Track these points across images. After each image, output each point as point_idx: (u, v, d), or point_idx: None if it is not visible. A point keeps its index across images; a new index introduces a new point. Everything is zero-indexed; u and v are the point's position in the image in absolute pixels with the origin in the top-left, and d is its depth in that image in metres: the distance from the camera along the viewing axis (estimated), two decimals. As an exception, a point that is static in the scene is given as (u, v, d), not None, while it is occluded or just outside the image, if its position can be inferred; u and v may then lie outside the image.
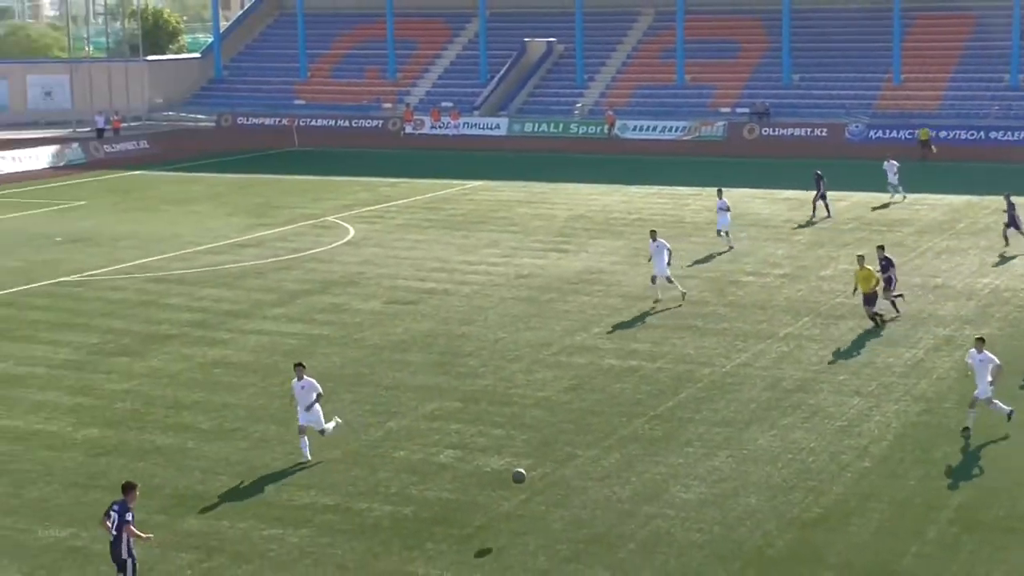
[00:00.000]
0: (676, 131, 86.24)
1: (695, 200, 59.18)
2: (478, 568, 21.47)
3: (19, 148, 77.99)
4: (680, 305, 38.63)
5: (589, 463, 26.14)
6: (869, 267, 36.22)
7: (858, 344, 34.46)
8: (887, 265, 37.31)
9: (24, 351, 34.88)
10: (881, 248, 38.22)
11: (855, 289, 36.75)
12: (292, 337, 36.07)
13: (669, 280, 39.27)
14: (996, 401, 27.26)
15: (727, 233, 47.55)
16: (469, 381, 31.89)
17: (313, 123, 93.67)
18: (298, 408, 26.46)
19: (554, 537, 22.64)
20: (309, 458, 26.27)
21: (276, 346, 35.17)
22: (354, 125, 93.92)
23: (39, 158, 76.68)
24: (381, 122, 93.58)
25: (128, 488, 20.00)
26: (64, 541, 22.63)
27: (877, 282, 36.12)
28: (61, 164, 76.79)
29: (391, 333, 36.46)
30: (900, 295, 37.67)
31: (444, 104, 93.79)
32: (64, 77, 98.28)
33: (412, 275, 44.00)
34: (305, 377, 26.40)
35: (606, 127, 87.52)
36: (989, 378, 27.16)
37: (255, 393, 31.06)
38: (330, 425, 26.84)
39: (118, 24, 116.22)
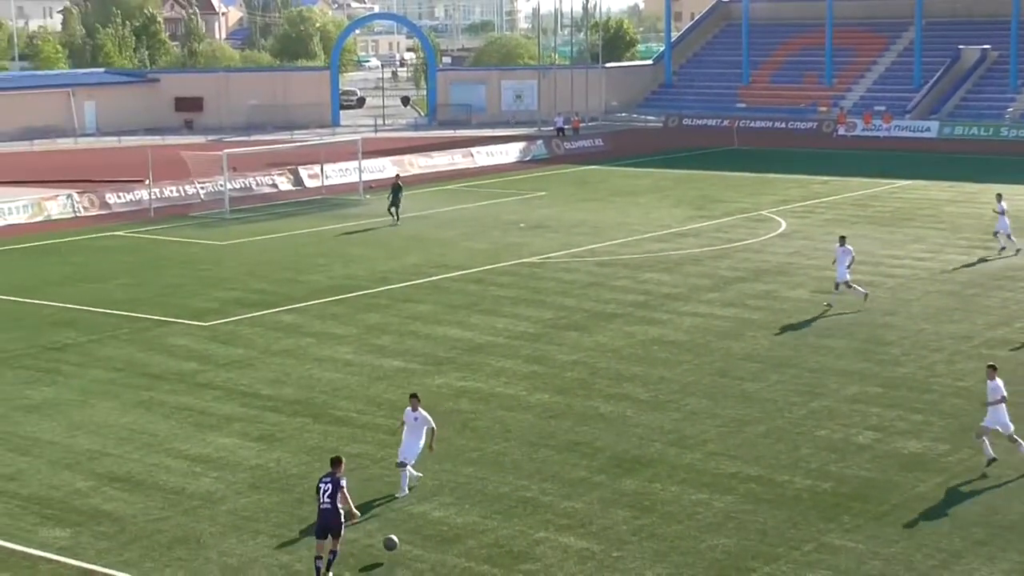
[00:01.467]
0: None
1: None
2: (893, 543, 20.71)
3: (493, 144, 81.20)
4: (859, 311, 35.83)
5: (1005, 454, 24.71)
6: None
7: None
8: None
9: (488, 322, 36.20)
10: None
11: None
12: (724, 320, 35.89)
13: (848, 285, 36.67)
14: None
15: (1009, 236, 44.36)
16: (890, 368, 30.80)
17: (752, 124, 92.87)
18: (404, 434, 23.23)
19: (968, 520, 21.56)
20: (407, 492, 23.06)
21: (709, 327, 35.08)
22: (790, 127, 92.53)
23: (509, 153, 79.56)
24: (815, 124, 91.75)
25: (337, 462, 19.75)
26: (516, 491, 23.31)
27: None
28: (527, 159, 79.31)
29: (816, 320, 35.69)
30: None
31: (877, 108, 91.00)
32: (532, 82, 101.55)
33: (839, 267, 42.90)
34: (420, 409, 23.16)
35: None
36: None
37: (688, 369, 31.09)
38: (414, 472, 23.37)
39: (581, 35, 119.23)
